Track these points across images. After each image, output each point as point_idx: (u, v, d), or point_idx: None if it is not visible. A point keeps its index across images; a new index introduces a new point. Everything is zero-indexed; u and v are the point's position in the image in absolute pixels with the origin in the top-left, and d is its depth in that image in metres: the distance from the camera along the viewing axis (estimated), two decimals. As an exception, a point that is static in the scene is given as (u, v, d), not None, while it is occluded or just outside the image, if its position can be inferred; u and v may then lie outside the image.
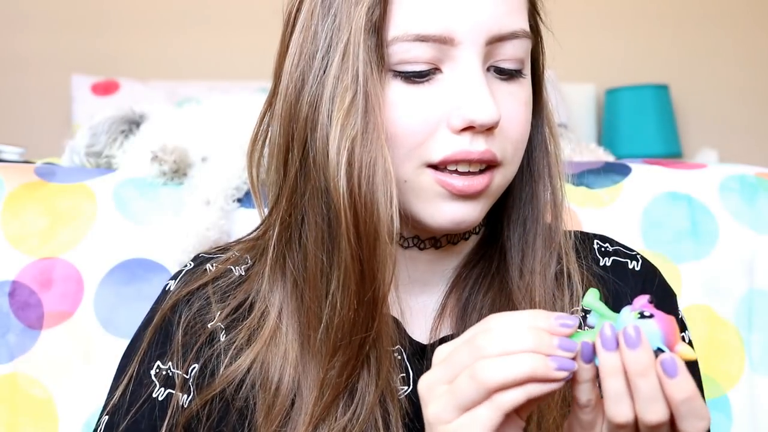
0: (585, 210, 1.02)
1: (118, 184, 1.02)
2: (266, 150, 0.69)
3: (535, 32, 0.67)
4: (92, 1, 2.78)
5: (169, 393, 0.67)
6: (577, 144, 1.67)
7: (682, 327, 0.73)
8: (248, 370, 0.65)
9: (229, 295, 0.70)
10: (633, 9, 3.03)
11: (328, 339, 0.62)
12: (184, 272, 0.73)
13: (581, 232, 0.76)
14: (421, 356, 0.68)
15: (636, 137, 2.80)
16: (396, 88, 0.61)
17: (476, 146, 0.61)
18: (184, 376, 0.67)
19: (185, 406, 0.66)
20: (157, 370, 0.68)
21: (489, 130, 0.61)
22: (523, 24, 0.63)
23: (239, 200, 1.01)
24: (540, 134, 0.70)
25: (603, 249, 0.75)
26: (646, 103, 2.82)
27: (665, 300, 0.73)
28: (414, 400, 0.65)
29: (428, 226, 0.64)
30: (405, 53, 0.60)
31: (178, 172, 1.02)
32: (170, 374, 0.67)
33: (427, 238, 0.68)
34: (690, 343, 0.72)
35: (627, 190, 1.04)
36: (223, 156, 1.02)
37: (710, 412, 0.78)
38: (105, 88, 2.50)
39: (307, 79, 0.62)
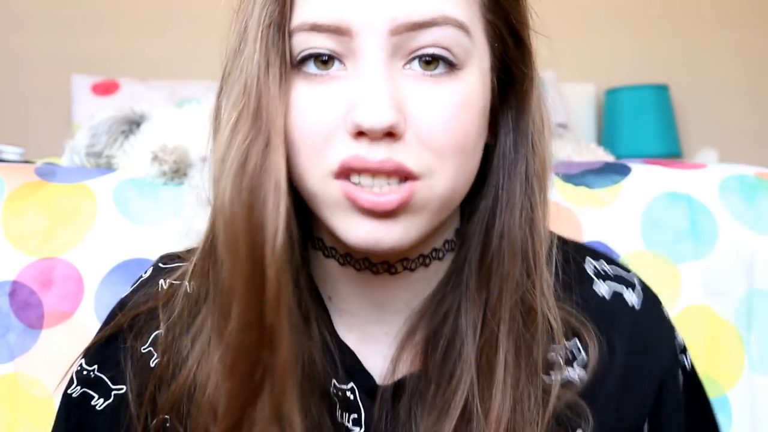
0: (585, 210, 1.02)
1: (118, 184, 1.02)
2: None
3: (511, 34, 0.58)
4: (92, 1, 2.78)
5: (84, 391, 0.65)
6: (577, 144, 1.67)
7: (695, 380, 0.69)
8: (186, 391, 0.59)
9: (175, 315, 0.63)
10: (633, 9, 3.03)
11: (223, 362, 0.54)
12: (138, 283, 0.68)
13: (571, 254, 0.66)
14: (374, 396, 0.60)
15: (636, 137, 2.80)
16: (299, 88, 0.53)
17: (374, 154, 0.51)
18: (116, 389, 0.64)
19: (98, 408, 0.64)
20: (79, 368, 0.65)
21: (390, 136, 0.51)
22: (445, 9, 0.52)
23: (239, 200, 1.01)
24: (516, 151, 0.60)
25: (598, 270, 0.66)
26: (646, 103, 2.82)
27: (660, 341, 0.65)
28: None
29: (346, 244, 0.55)
30: (303, 44, 0.53)
31: (178, 172, 1.02)
32: (92, 376, 0.65)
33: (379, 262, 0.60)
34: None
35: (627, 190, 1.04)
36: (223, 156, 1.02)
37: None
38: (105, 88, 2.50)
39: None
